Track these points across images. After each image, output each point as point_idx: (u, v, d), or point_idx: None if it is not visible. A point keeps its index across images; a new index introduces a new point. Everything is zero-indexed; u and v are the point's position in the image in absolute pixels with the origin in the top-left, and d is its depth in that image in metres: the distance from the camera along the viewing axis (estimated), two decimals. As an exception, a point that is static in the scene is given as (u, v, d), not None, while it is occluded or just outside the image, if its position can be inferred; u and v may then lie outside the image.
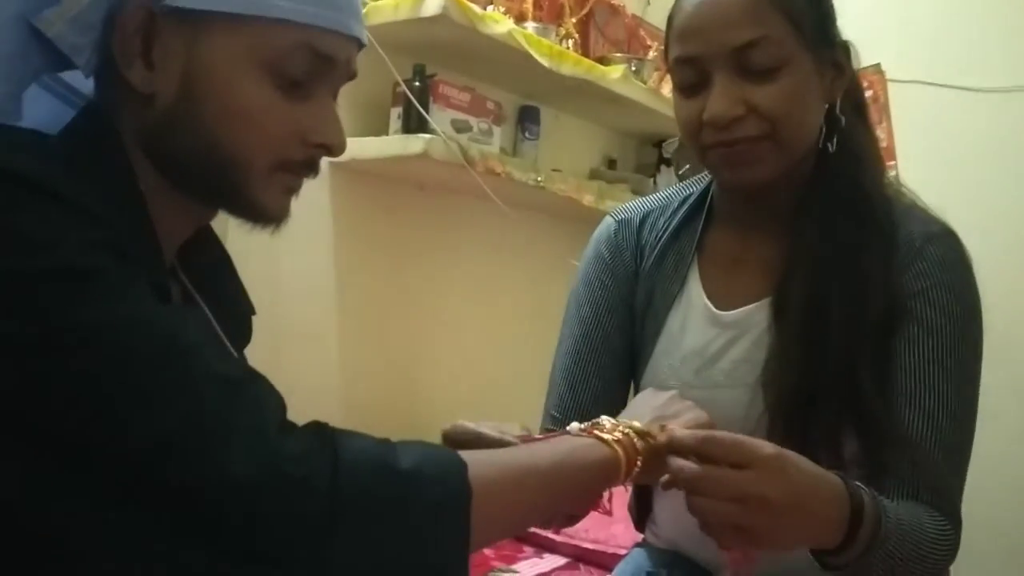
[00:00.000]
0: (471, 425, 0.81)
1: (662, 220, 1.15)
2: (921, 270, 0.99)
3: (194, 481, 0.58)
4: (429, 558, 0.64)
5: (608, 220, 1.19)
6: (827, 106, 1.02)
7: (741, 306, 1.06)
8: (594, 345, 1.13)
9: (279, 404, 0.65)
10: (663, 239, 1.13)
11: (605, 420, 0.81)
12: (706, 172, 1.14)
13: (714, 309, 1.07)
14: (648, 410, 0.86)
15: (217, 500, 0.58)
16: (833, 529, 0.82)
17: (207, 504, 0.58)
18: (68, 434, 0.58)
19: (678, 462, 0.77)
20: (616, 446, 0.77)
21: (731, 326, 1.05)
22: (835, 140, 1.02)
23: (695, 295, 1.09)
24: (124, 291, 0.62)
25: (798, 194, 1.04)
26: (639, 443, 0.79)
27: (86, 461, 0.58)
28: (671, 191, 1.19)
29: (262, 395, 0.64)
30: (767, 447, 0.77)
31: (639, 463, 0.78)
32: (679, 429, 0.80)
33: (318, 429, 0.64)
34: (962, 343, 0.99)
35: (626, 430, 0.79)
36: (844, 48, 1.03)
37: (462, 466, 0.66)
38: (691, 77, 0.99)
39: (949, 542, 0.93)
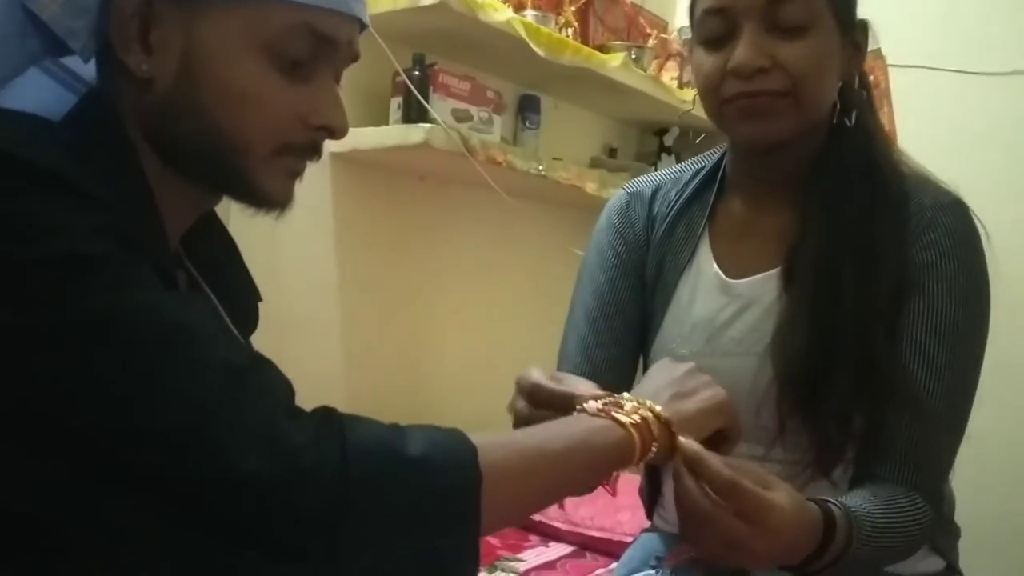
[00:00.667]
0: (534, 376, 0.84)
1: (674, 192, 1.15)
2: (931, 241, 1.00)
3: (201, 473, 0.57)
4: (440, 545, 0.63)
5: (620, 192, 1.20)
6: (840, 84, 1.03)
7: (751, 275, 1.06)
8: (608, 313, 1.12)
9: (287, 390, 0.64)
10: (674, 209, 1.13)
11: (625, 399, 0.79)
12: (717, 147, 1.15)
13: (724, 277, 1.07)
14: (665, 385, 0.84)
15: (225, 493, 0.58)
16: (803, 554, 0.84)
17: (214, 496, 0.58)
18: (72, 424, 0.58)
19: (691, 494, 0.78)
20: (632, 430, 0.75)
21: (741, 295, 1.06)
22: (853, 115, 1.03)
23: (705, 264, 1.09)
24: (129, 279, 0.61)
25: (809, 163, 1.04)
26: (656, 429, 0.77)
27: (90, 451, 0.58)
28: (682, 166, 1.20)
29: (269, 382, 0.63)
30: (775, 512, 0.78)
31: (654, 448, 0.77)
32: (708, 456, 0.78)
33: (326, 416, 0.63)
34: (965, 321, 0.99)
35: (646, 413, 0.77)
36: (863, 28, 1.04)
37: (472, 451, 0.65)
38: (718, 29, 0.99)
39: (922, 523, 0.94)
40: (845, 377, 0.96)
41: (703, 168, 1.16)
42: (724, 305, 1.06)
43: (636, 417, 0.76)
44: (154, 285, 0.63)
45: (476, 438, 0.67)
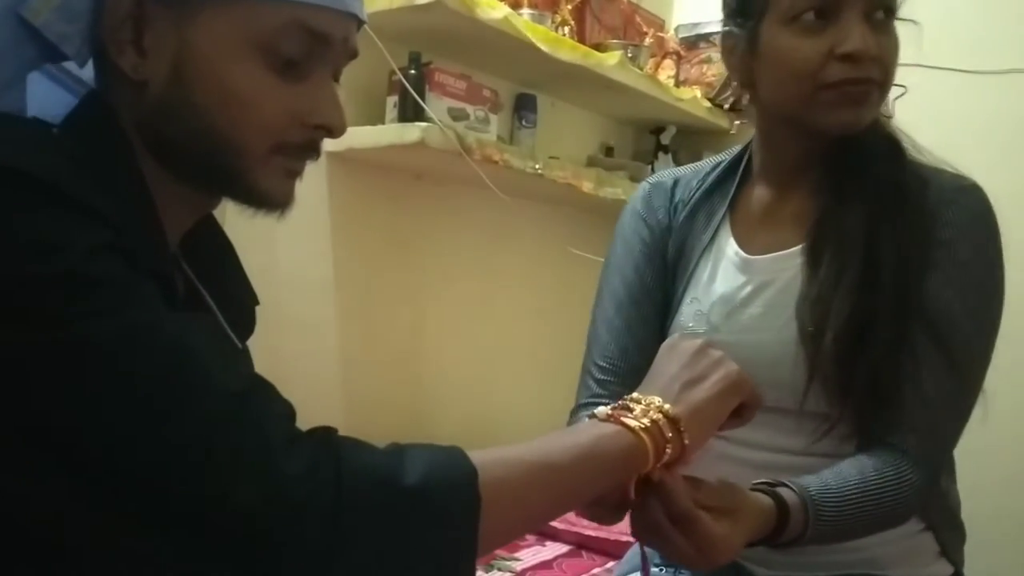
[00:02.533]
0: None
1: (695, 181, 1.19)
2: (949, 219, 1.02)
3: (195, 501, 0.57)
4: (435, 573, 0.63)
5: (642, 184, 1.23)
6: None
7: (771, 253, 1.08)
8: (636, 297, 1.15)
9: (285, 415, 0.63)
10: (695, 197, 1.17)
11: (635, 402, 0.77)
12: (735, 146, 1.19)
13: (744, 254, 1.10)
14: (676, 372, 0.81)
15: (218, 523, 0.57)
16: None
17: (208, 526, 0.57)
18: (68, 445, 0.57)
19: (649, 512, 0.80)
20: (643, 435, 0.73)
21: (760, 272, 1.08)
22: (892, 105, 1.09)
23: (725, 244, 1.12)
24: (129, 300, 0.60)
25: (837, 145, 1.06)
26: (669, 431, 0.75)
27: (85, 472, 0.58)
28: (702, 162, 1.23)
29: (267, 408, 0.62)
30: (720, 547, 0.80)
31: (668, 450, 0.75)
32: (672, 486, 0.78)
33: (323, 442, 0.62)
34: (976, 296, 1.01)
35: (656, 416, 0.75)
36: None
37: (471, 474, 0.63)
38: (813, 12, 0.99)
39: (904, 495, 0.95)
40: (883, 347, 0.97)
41: (722, 161, 1.19)
42: (744, 283, 1.08)
43: (646, 421, 0.74)
44: (155, 306, 0.62)
45: (477, 456, 0.65)
